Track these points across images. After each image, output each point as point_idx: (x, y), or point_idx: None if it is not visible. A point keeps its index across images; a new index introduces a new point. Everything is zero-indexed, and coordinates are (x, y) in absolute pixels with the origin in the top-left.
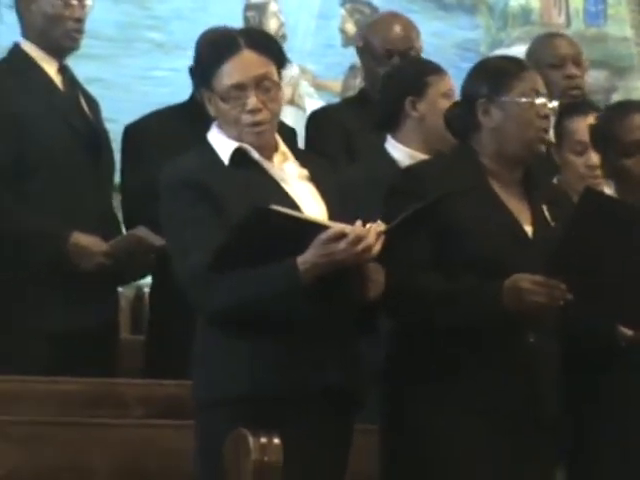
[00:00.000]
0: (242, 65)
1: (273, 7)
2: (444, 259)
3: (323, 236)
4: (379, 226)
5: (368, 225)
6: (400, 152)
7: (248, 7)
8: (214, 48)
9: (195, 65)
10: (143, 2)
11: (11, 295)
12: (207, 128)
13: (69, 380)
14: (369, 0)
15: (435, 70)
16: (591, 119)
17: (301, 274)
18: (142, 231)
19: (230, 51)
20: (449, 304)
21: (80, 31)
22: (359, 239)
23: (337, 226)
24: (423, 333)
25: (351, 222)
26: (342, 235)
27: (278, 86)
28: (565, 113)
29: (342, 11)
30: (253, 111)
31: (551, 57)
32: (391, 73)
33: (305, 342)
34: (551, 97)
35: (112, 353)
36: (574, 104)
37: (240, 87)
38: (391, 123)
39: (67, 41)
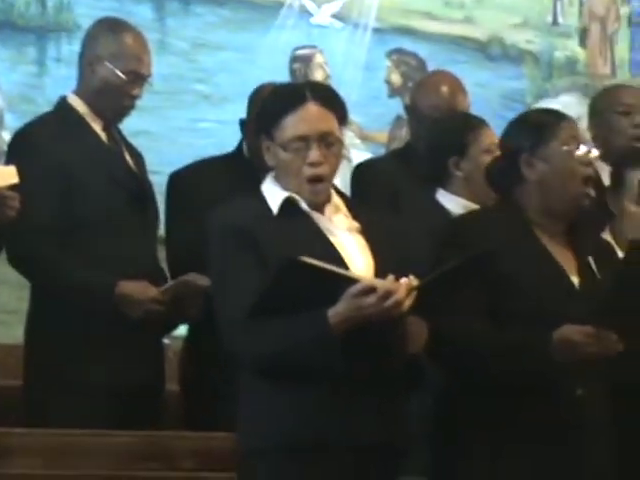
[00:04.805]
0: (308, 118)
1: (319, 59)
2: (492, 310)
3: (352, 290)
4: (412, 281)
5: (402, 280)
6: (452, 202)
7: (294, 59)
8: (280, 98)
9: (258, 113)
10: (189, 54)
11: (63, 350)
12: (253, 180)
13: (119, 434)
14: (415, 51)
15: (475, 126)
16: None
17: (332, 325)
18: (191, 276)
19: (296, 102)
20: (500, 355)
21: (132, 108)
22: (389, 294)
23: (367, 280)
24: (472, 390)
25: (399, 275)
26: (372, 289)
27: (340, 142)
28: (626, 162)
29: (388, 62)
30: (314, 164)
31: (618, 104)
32: (432, 134)
33: (346, 396)
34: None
35: (160, 406)
36: (636, 153)
37: (304, 139)
38: (439, 179)
39: (116, 115)
